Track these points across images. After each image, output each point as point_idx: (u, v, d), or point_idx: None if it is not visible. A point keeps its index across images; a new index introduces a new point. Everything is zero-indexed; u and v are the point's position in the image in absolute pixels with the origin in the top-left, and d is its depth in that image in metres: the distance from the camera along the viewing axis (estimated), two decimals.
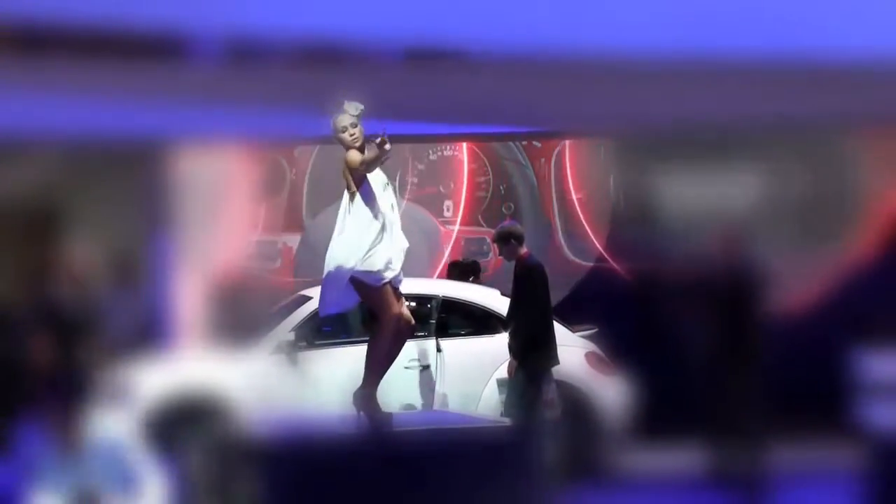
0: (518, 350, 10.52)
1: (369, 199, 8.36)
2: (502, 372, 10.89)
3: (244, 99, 9.11)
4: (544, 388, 10.45)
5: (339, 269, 8.36)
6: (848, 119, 8.68)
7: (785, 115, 8.78)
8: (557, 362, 10.57)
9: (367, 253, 8.30)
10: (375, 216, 8.33)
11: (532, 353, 10.46)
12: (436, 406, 10.97)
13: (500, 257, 10.99)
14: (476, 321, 11.57)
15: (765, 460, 9.56)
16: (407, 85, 9.16)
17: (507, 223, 11.08)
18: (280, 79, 9.02)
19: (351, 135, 8.35)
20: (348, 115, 8.39)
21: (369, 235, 8.32)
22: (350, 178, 8.37)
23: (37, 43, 8.29)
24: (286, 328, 11.05)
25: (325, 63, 8.87)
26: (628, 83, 8.22)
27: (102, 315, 9.12)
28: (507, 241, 10.63)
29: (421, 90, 9.44)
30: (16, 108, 8.79)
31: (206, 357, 10.66)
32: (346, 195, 8.41)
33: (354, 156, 8.33)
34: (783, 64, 7.59)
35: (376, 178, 8.43)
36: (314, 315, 11.06)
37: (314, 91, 8.65)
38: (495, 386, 11.13)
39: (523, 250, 10.64)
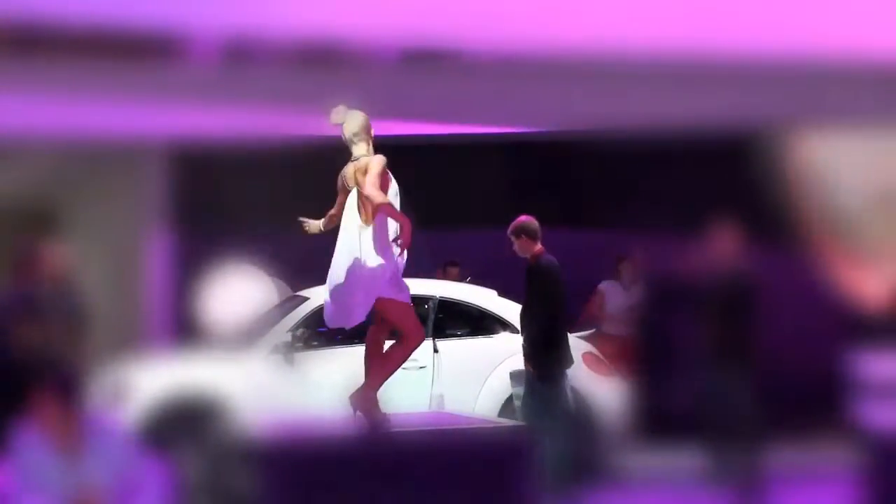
0: (531, 354, 10.24)
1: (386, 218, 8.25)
2: (501, 371, 10.90)
3: (242, 99, 9.11)
4: (563, 390, 10.17)
5: (358, 286, 8.21)
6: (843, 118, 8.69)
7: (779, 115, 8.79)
8: (572, 362, 10.38)
9: (394, 273, 8.20)
10: (390, 232, 8.24)
11: (545, 357, 10.18)
12: (432, 407, 10.95)
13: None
14: (473, 322, 11.56)
15: (762, 461, 9.56)
16: (404, 85, 9.15)
17: (522, 218, 10.87)
18: (278, 79, 9.01)
19: (355, 146, 8.16)
20: (350, 131, 8.22)
21: (391, 254, 8.21)
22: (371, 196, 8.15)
23: (34, 42, 8.27)
24: (283, 329, 11.04)
25: (322, 63, 8.86)
26: (626, 83, 8.22)
27: (93, 313, 9.10)
28: (518, 236, 10.34)
29: (418, 91, 9.43)
30: (12, 108, 8.79)
31: (203, 358, 10.65)
32: (355, 204, 8.23)
33: (377, 196, 8.04)
34: (780, 63, 7.60)
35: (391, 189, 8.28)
36: (311, 316, 11.06)
37: (312, 91, 8.64)
38: (492, 387, 11.13)
39: (537, 247, 10.32)
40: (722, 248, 9.89)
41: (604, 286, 13.38)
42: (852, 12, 7.56)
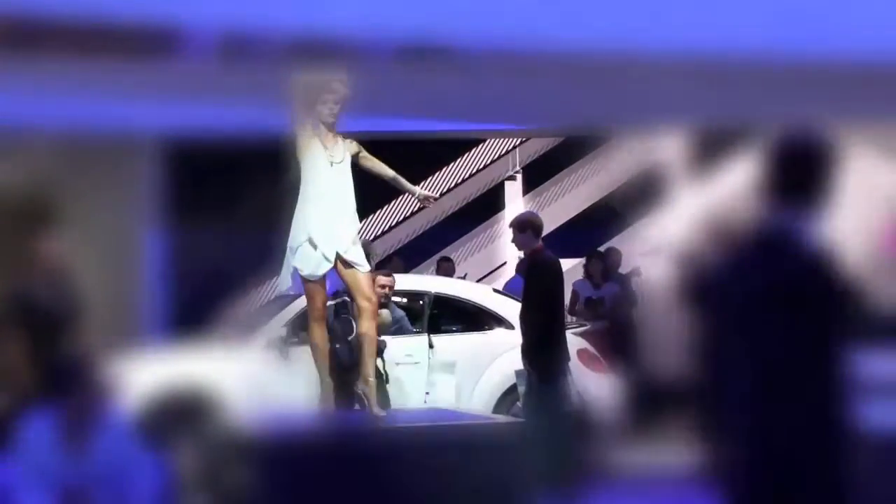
0: (529, 351, 10.04)
1: (310, 176, 8.40)
2: (496, 367, 10.89)
3: (236, 94, 9.07)
4: (562, 387, 10.02)
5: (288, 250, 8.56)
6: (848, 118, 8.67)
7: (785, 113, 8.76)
8: (569, 358, 10.25)
9: (298, 245, 8.38)
10: (313, 197, 8.40)
11: (543, 354, 9.95)
12: (427, 403, 10.94)
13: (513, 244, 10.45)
14: (468, 317, 11.55)
15: (756, 457, 9.53)
16: (400, 81, 9.13)
17: (528, 213, 10.67)
18: (273, 74, 8.97)
19: (331, 110, 8.34)
20: (335, 92, 8.33)
21: (300, 223, 8.41)
22: (299, 154, 8.41)
23: (28, 37, 8.24)
24: (278, 324, 11.03)
25: (317, 59, 8.84)
26: (625, 80, 8.20)
27: (87, 308, 9.09)
28: (523, 229, 10.07)
29: (414, 87, 9.41)
30: (7, 103, 8.76)
31: (198, 352, 10.63)
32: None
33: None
34: (784, 63, 7.58)
35: (321, 154, 8.40)
36: (306, 311, 11.04)
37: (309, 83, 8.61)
38: (487, 383, 11.12)
39: (538, 244, 10.11)
40: (711, 243, 9.85)
41: (576, 284, 13.45)
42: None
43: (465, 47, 8.16)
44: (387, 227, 16.99)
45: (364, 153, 8.49)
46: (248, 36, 8.46)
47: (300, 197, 8.44)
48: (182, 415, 10.13)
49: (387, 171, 8.63)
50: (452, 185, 17.54)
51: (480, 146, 17.50)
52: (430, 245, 16.88)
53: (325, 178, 8.31)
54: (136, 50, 8.34)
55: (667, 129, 9.20)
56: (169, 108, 9.38)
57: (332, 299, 10.30)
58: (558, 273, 10.12)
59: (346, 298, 10.43)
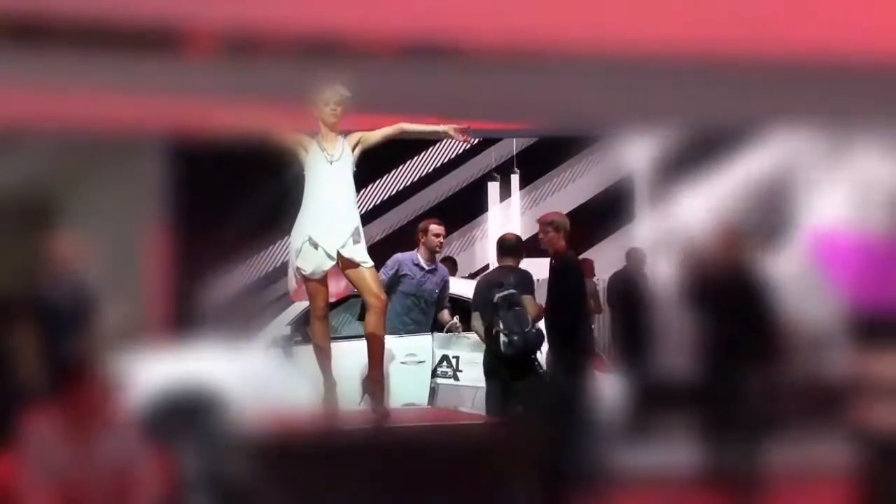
0: (554, 348, 10.15)
1: (309, 176, 8.44)
2: None
3: (241, 92, 9.11)
4: (585, 386, 10.12)
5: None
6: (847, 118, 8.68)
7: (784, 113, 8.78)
8: (594, 354, 10.35)
9: (300, 246, 8.42)
10: (312, 196, 8.42)
11: (569, 352, 10.09)
12: (434, 402, 10.94)
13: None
14: (471, 317, 11.52)
15: (763, 459, 9.55)
16: (405, 80, 9.15)
17: (557, 212, 10.74)
18: (277, 72, 9.02)
19: (333, 111, 8.39)
20: (337, 93, 8.39)
21: (301, 224, 8.45)
22: (301, 155, 8.43)
23: (33, 34, 8.26)
24: (282, 322, 11.03)
25: (322, 57, 8.86)
26: (627, 80, 8.22)
27: (97, 306, 9.11)
28: (557, 229, 10.26)
29: (419, 86, 9.43)
30: (12, 99, 8.78)
31: (202, 350, 10.65)
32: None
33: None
34: (782, 63, 7.59)
35: (319, 154, 8.45)
36: (309, 310, 11.05)
37: (311, 85, 8.65)
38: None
39: (562, 243, 10.29)
40: (725, 245, 9.87)
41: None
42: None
43: (466, 47, 8.17)
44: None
45: (364, 134, 8.51)
46: (250, 36, 8.47)
47: (303, 198, 8.49)
48: (186, 414, 10.14)
49: (391, 130, 8.56)
50: (416, 180, 17.24)
51: (439, 144, 17.15)
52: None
53: (324, 176, 8.36)
54: (142, 47, 8.36)
55: (662, 129, 9.22)
56: (171, 107, 9.40)
57: (500, 291, 10.32)
58: (581, 272, 10.38)
59: (514, 291, 10.40)
